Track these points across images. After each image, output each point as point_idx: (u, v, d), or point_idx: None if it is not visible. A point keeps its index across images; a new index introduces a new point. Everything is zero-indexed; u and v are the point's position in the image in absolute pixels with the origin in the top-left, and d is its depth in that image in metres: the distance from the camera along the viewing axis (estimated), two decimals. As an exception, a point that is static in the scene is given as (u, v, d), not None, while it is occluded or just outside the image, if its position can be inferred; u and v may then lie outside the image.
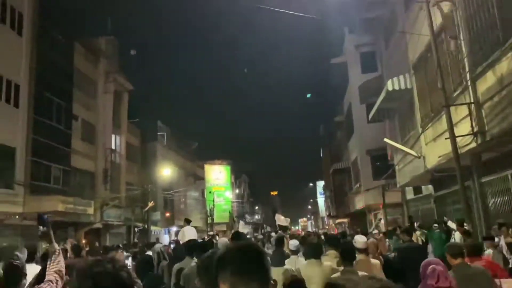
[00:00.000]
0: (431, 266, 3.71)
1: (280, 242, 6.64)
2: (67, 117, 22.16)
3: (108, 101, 26.70)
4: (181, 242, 13.35)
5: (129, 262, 12.68)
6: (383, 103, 14.95)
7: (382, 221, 24.41)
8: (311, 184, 73.62)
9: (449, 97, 8.75)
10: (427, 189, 16.26)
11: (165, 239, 31.51)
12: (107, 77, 26.66)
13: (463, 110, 8.91)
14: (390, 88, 12.98)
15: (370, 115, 16.77)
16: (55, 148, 20.79)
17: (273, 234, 19.74)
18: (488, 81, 7.82)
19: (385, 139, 13.41)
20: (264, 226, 29.93)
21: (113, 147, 27.26)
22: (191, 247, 6.36)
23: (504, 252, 7.07)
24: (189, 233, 13.54)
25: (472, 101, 8.38)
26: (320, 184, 63.36)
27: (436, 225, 13.30)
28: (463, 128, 8.83)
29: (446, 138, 8.66)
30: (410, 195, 18.93)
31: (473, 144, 8.61)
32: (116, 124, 28.13)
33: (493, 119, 7.77)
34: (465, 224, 11.21)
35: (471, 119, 8.41)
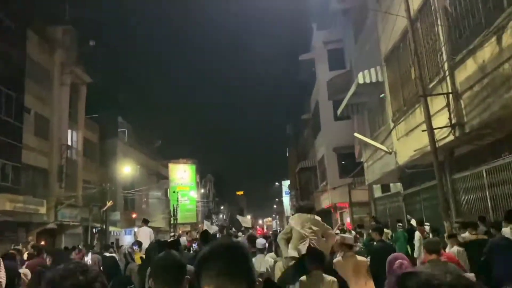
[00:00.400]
0: (398, 261, 3.76)
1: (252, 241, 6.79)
2: (17, 109, 20.57)
3: (64, 94, 25.14)
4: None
5: (88, 258, 12.25)
6: (353, 97, 14.49)
7: (348, 220, 24.16)
8: (277, 184, 73.32)
9: (425, 89, 8.25)
10: (396, 187, 15.95)
11: (126, 240, 30.20)
12: (63, 68, 25.09)
13: (439, 102, 8.45)
14: (361, 81, 12.49)
15: (339, 111, 16.30)
16: (3, 143, 19.21)
17: (239, 234, 19.21)
18: (468, 69, 7.36)
19: (355, 134, 12.92)
20: (230, 226, 29.17)
21: (69, 143, 25.70)
22: (161, 248, 6.17)
23: None
24: (144, 234, 12.94)
25: (450, 91, 7.92)
26: (286, 183, 63.11)
27: (400, 224, 13.01)
28: (439, 121, 8.37)
29: (423, 131, 8.16)
30: (378, 193, 18.64)
31: (451, 137, 8.15)
32: (73, 118, 26.58)
33: (473, 110, 7.31)
34: (426, 224, 10.98)
35: (449, 111, 7.94)
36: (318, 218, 5.68)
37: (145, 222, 14.46)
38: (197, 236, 28.19)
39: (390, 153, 11.77)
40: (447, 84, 8.18)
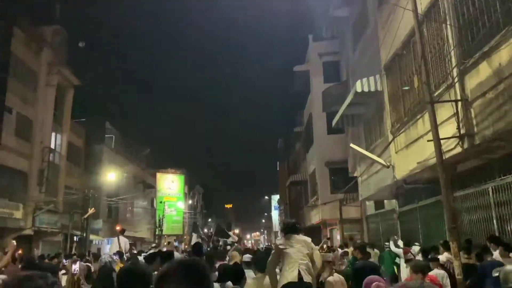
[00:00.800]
0: (374, 283, 3.86)
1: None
2: (-2, 108, 19.67)
3: (50, 95, 24.22)
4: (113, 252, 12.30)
5: (76, 266, 12.05)
6: (349, 108, 13.84)
7: (338, 238, 23.37)
8: (266, 197, 72.30)
9: (431, 95, 7.55)
10: (390, 204, 15.22)
11: (107, 250, 29.04)
12: (50, 68, 24.21)
13: (446, 111, 7.77)
14: (359, 90, 11.84)
15: (334, 121, 15.62)
16: (-20, 142, 18.27)
17: (228, 247, 18.50)
18: (481, 74, 6.70)
19: (351, 145, 12.20)
20: (218, 239, 28.24)
21: (52, 146, 24.70)
22: (150, 258, 6.21)
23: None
24: (116, 244, 12.49)
25: (459, 98, 7.24)
26: (275, 197, 62.21)
27: (386, 243, 12.28)
28: (445, 132, 7.66)
29: (428, 141, 7.44)
30: (370, 210, 17.88)
31: (458, 149, 7.45)
32: (58, 121, 25.62)
33: (486, 119, 6.63)
34: (416, 244, 10.64)
35: (457, 120, 7.25)
36: (307, 238, 5.34)
37: (122, 232, 14.03)
38: (185, 247, 27.16)
39: (388, 166, 11.06)
40: (455, 91, 7.52)
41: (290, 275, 4.76)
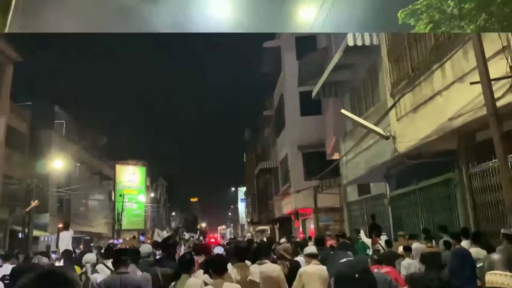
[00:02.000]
0: None
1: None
2: None
3: (-18, 70, 20.91)
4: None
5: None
6: (333, 74, 11.60)
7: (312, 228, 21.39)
8: (233, 189, 70.01)
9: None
10: (378, 187, 13.17)
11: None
12: (-18, 39, 20.89)
13: (489, 46, 5.57)
14: (350, 43, 9.58)
15: (315, 91, 13.40)
16: None
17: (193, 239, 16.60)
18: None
19: (343, 111, 9.86)
20: (184, 232, 25.99)
21: (-14, 129, 21.41)
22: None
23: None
24: (64, 240, 10.56)
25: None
26: (242, 189, 60.06)
27: (359, 235, 10.77)
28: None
29: (471, 83, 5.26)
30: (353, 196, 15.80)
31: (510, 97, 5.30)
32: (-6, 101, 22.31)
33: None
34: (383, 234, 10.15)
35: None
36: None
37: (66, 226, 11.89)
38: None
39: (388, 137, 8.89)
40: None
41: None
